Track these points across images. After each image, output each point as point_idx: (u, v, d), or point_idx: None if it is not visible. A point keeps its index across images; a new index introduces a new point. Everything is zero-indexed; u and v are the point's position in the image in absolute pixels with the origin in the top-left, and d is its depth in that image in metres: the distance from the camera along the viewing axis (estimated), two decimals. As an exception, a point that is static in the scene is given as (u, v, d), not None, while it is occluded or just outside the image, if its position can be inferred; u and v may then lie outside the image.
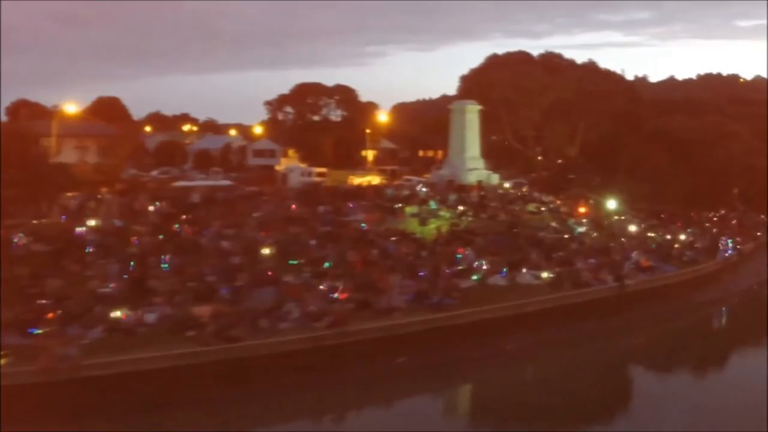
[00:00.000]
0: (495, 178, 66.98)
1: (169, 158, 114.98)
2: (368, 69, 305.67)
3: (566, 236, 55.95)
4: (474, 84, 79.46)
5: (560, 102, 76.53)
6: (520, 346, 40.19)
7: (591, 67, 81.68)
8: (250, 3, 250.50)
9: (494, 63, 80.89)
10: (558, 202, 65.74)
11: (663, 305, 48.17)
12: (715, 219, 76.32)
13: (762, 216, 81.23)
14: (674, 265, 53.76)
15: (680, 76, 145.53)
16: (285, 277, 43.21)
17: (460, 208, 58.26)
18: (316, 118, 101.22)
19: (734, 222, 75.96)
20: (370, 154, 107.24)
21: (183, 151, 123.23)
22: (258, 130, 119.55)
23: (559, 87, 76.93)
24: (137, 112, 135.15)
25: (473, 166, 65.49)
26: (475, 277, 45.05)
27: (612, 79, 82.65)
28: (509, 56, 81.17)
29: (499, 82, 77.17)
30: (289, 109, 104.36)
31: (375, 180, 75.70)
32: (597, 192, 69.10)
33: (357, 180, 73.72)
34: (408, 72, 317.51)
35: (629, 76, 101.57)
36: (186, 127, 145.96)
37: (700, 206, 76.30)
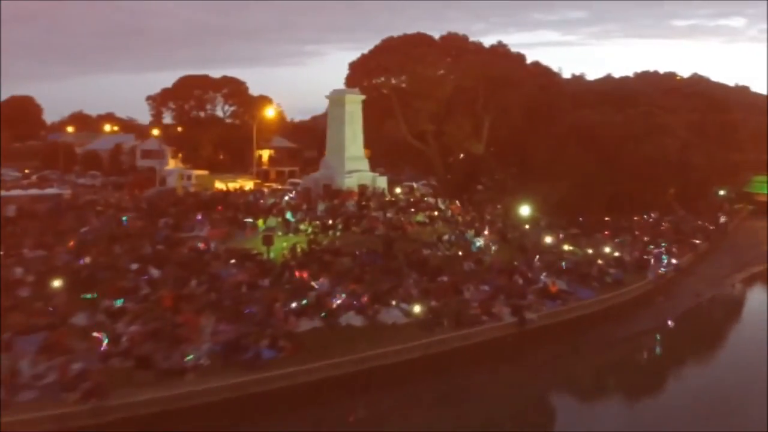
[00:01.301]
0: (382, 182, 55.20)
1: (53, 161, 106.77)
2: (305, 68, 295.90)
3: (460, 253, 44.43)
4: (363, 71, 67.40)
5: (462, 91, 65.13)
6: (371, 414, 28.72)
7: (499, 51, 69.48)
8: (183, 2, 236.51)
9: (387, 46, 68.65)
10: (456, 209, 54.23)
11: (572, 344, 36.63)
12: (647, 225, 65.68)
13: (701, 221, 71.10)
14: (594, 288, 42.49)
15: (617, 74, 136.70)
16: (74, 318, 31.85)
17: (330, 220, 46.38)
18: (201, 114, 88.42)
19: (669, 228, 65.31)
20: (264, 154, 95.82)
21: (71, 153, 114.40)
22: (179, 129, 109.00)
23: (460, 73, 65.15)
24: (62, 111, 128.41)
25: (354, 167, 53.58)
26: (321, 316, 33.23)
27: (523, 64, 70.82)
28: (405, 38, 68.82)
29: (388, 69, 65.30)
30: (173, 105, 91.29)
31: (248, 184, 63.69)
32: (507, 196, 57.91)
33: (227, 185, 61.61)
34: (344, 71, 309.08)
35: (566, 75, 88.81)
36: (107, 127, 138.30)
37: (630, 211, 65.58)
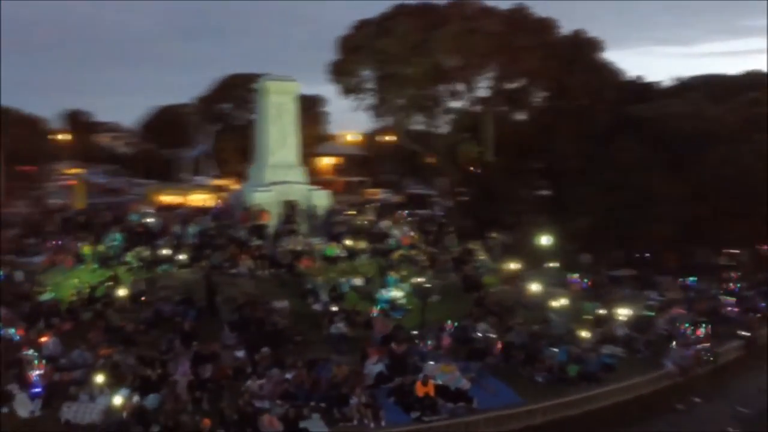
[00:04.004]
0: (321, 197, 39.73)
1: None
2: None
3: (334, 308, 28.89)
4: (346, 54, 51.04)
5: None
6: None
7: (518, 17, 47.95)
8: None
9: (381, 20, 51.29)
10: (407, 239, 37.94)
11: None
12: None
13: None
14: (537, 385, 25.24)
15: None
16: None
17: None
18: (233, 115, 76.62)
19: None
20: (324, 162, 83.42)
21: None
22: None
23: (438, 47, 46.95)
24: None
25: (279, 178, 38.54)
26: None
27: (550, 35, 48.43)
28: (403, 8, 51.07)
29: (362, 47, 48.54)
30: (226, 106, 79.78)
31: (207, 199, 50.46)
32: (524, 221, 41.03)
33: (171, 199, 48.91)
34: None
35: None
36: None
37: (719, 242, 46.28)
